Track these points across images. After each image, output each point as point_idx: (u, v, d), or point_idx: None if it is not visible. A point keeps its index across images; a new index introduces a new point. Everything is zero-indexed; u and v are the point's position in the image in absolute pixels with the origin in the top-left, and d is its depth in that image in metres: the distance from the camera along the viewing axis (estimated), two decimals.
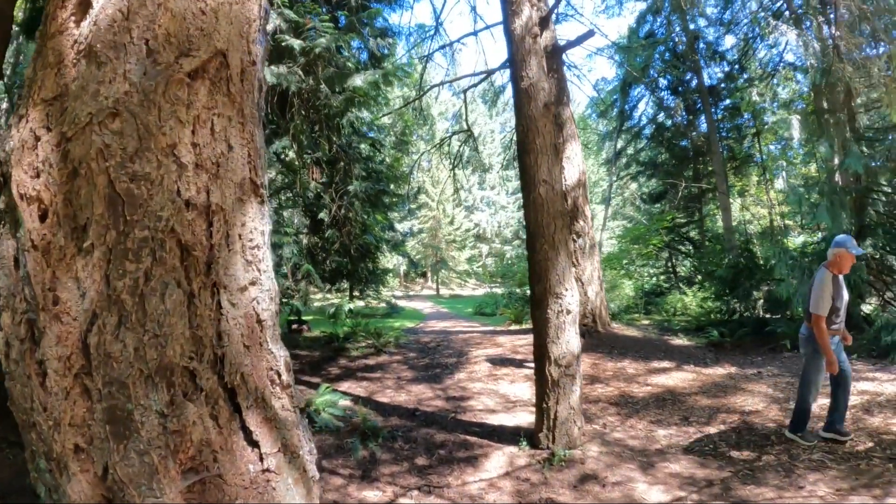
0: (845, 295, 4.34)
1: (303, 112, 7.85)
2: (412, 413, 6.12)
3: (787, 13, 10.42)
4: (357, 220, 10.17)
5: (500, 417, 5.85)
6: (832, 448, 4.49)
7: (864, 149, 8.45)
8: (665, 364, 7.90)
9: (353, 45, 8.04)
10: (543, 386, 4.59)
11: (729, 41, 15.65)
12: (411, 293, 34.82)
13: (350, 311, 18.84)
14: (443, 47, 12.97)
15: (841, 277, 4.30)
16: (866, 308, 9.62)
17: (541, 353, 4.61)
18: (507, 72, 7.55)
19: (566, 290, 4.45)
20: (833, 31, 9.01)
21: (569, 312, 4.44)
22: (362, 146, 10.26)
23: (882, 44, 8.67)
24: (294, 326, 11.68)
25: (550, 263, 4.41)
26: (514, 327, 12.88)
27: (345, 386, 7.32)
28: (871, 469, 4.06)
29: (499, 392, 6.86)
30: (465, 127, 12.20)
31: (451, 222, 37.46)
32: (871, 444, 4.48)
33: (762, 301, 10.31)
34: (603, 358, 8.23)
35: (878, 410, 5.29)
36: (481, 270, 39.71)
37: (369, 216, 10.40)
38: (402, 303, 23.19)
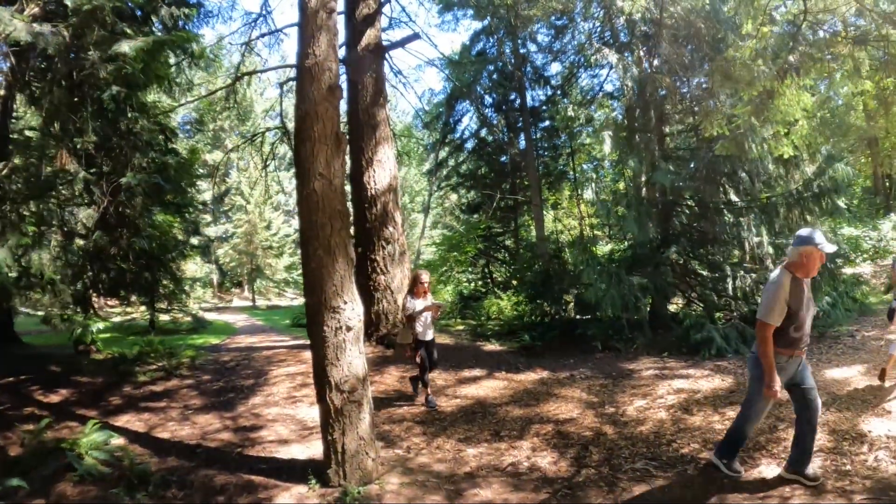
0: (811, 304, 3.54)
1: (62, 82, 6.30)
2: (193, 450, 5.24)
3: (612, 42, 11.34)
4: (135, 221, 8.50)
5: (292, 450, 5.16)
6: (655, 453, 4.40)
7: (671, 167, 9.31)
8: (476, 372, 7.79)
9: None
10: (326, 415, 3.96)
11: (555, 68, 16.88)
12: (223, 305, 31.85)
13: (151, 326, 16.50)
14: (266, 35, 11.89)
15: (806, 282, 3.47)
16: (672, 308, 10.69)
17: (320, 377, 3.97)
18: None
19: (345, 302, 3.88)
20: (652, 60, 9.96)
21: (349, 329, 3.88)
22: (147, 135, 8.57)
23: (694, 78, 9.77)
24: (80, 347, 9.86)
25: (326, 272, 3.80)
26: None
27: (123, 419, 6.28)
28: (701, 474, 3.93)
29: (296, 417, 6.15)
30: (281, 123, 11.23)
31: (268, 227, 34.99)
32: (696, 446, 4.48)
33: (573, 304, 10.91)
34: (410, 370, 7.89)
35: (697, 408, 5.46)
36: (301, 279, 37.89)
37: (147, 216, 8.71)
38: (212, 316, 21.05)
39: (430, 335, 6.44)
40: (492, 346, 9.62)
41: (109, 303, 19.04)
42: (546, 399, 6.35)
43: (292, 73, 10.92)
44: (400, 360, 8.34)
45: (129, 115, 7.75)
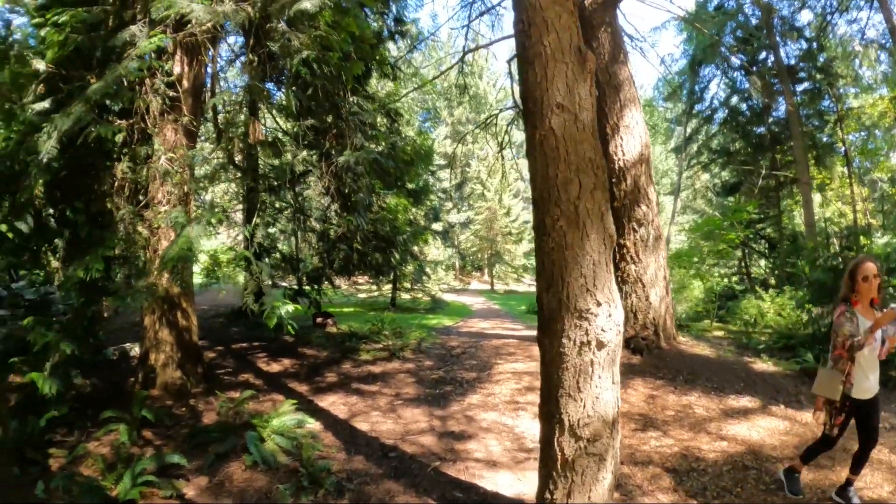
0: None
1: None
2: (387, 453, 4.60)
3: None
4: (359, 202, 8.43)
5: (500, 478, 4.14)
6: None
7: None
8: (745, 402, 5.76)
9: None
10: (549, 466, 2.68)
11: (805, 16, 14.37)
12: (462, 287, 33.54)
13: (392, 304, 17.74)
14: (484, 13, 11.22)
15: None
16: None
17: (548, 412, 2.67)
18: None
19: (599, 304, 2.45)
20: None
21: (601, 346, 2.46)
22: (369, 117, 8.51)
23: None
24: (319, 320, 10.59)
25: (570, 254, 2.43)
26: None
27: (329, 400, 6.04)
28: None
29: (514, 431, 5.10)
30: (513, 102, 10.31)
31: (508, 213, 35.31)
32: None
33: None
34: (664, 388, 6.17)
35: None
36: None
37: (369, 197, 8.63)
38: (451, 297, 21.85)
39: (870, 386, 3.42)
40: (763, 365, 7.28)
41: (359, 280, 21.32)
42: (845, 458, 4.06)
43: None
44: (649, 371, 6.67)
45: (350, 98, 7.56)
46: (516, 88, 11.12)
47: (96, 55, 5.03)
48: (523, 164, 35.98)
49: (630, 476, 4.06)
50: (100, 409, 5.10)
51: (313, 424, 5.18)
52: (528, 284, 36.16)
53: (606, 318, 2.45)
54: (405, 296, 18.84)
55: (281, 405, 5.40)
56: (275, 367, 7.48)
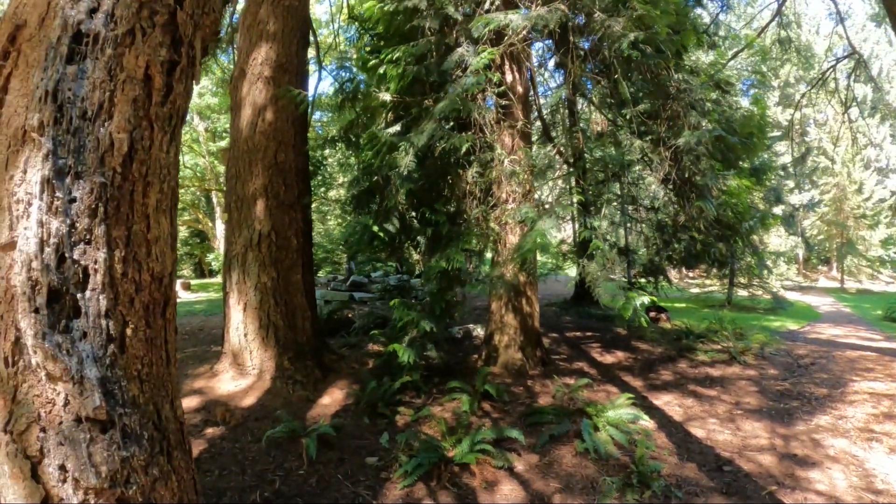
0: None
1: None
2: (721, 465, 4.27)
3: None
4: (702, 185, 7.71)
5: None
6: None
7: None
8: None
9: None
10: None
11: None
12: (808, 284, 27.46)
13: (728, 301, 15.84)
14: None
15: None
16: None
17: None
18: None
19: None
20: None
21: None
22: (699, 92, 7.67)
23: None
24: (652, 314, 10.47)
25: None
26: None
27: (663, 399, 5.92)
28: None
29: (864, 465, 4.21)
30: (850, 49, 8.10)
31: (860, 190, 27.21)
32: None
33: None
34: None
35: None
36: None
37: (715, 180, 7.71)
38: (794, 296, 18.44)
39: None
40: None
41: (689, 274, 19.66)
42: None
43: None
44: None
45: (676, 75, 6.97)
46: (849, 30, 8.58)
47: (430, 80, 5.88)
48: (871, 124, 27.12)
49: None
50: (446, 379, 5.95)
51: (647, 422, 5.08)
52: (885, 283, 27.99)
53: None
54: (742, 292, 16.50)
55: (617, 398, 5.44)
56: (608, 359, 7.58)
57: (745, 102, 12.22)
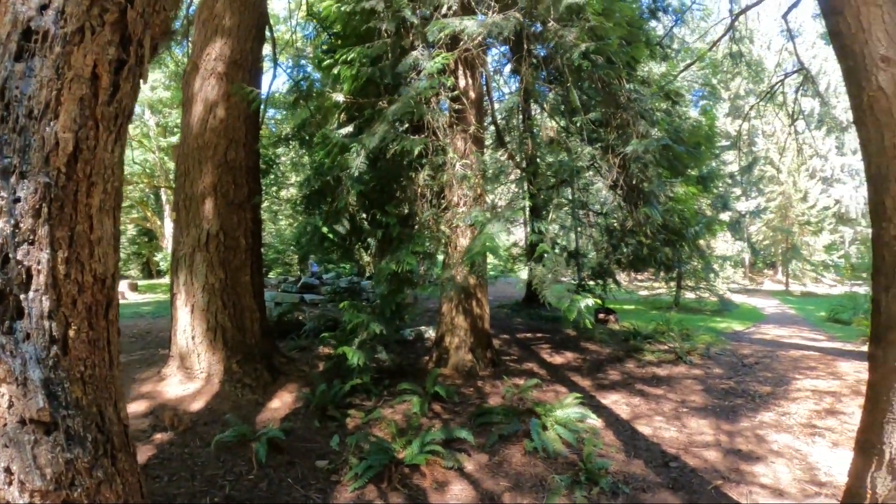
0: None
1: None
2: (667, 462, 4.41)
3: None
4: (648, 192, 7.99)
5: None
6: None
7: None
8: None
9: None
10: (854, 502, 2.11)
11: None
12: (753, 287, 28.66)
13: (675, 303, 16.41)
14: None
15: None
16: None
17: (867, 437, 2.10)
18: None
19: None
20: None
21: None
22: (649, 101, 7.97)
23: None
24: (601, 316, 10.75)
25: None
26: (867, 348, 8.58)
27: (611, 399, 6.04)
28: None
29: (807, 459, 4.40)
30: (799, 64, 8.62)
31: (804, 198, 28.55)
32: None
33: None
34: None
35: None
36: (843, 262, 29.66)
37: (661, 187, 8.01)
38: (740, 298, 19.14)
39: None
40: None
41: (638, 277, 20.25)
42: None
43: None
44: None
45: (627, 85, 7.20)
46: (799, 47, 9.05)
47: (384, 83, 5.87)
48: (817, 136, 28.62)
49: None
50: (397, 381, 5.93)
51: (595, 421, 5.18)
52: (829, 286, 29.18)
53: None
54: (689, 295, 17.10)
55: (565, 397, 5.52)
56: (557, 359, 7.71)
57: (694, 113, 12.70)
